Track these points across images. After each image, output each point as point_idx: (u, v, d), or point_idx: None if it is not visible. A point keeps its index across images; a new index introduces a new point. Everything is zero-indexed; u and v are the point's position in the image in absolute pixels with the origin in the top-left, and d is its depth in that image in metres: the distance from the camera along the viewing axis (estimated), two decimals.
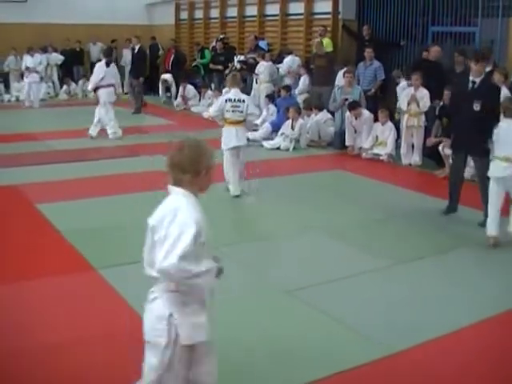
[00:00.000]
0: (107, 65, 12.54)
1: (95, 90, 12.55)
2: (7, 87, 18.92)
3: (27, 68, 17.07)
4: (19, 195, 8.21)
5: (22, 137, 12.41)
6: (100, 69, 12.49)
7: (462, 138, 7.33)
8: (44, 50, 19.32)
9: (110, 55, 13.11)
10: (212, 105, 15.51)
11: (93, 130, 12.34)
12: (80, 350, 4.33)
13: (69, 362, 4.18)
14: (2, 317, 4.81)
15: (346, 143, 11.32)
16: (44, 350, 4.31)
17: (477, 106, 7.06)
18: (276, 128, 12.25)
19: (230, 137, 8.23)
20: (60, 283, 5.49)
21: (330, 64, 13.31)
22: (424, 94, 10.21)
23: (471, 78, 7.21)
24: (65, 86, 19.46)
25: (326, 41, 13.90)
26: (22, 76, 17.88)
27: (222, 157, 8.15)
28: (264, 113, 13.44)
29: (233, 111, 8.18)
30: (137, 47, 16.30)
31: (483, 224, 6.86)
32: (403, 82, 11.54)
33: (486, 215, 6.88)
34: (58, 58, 19.74)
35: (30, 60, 17.05)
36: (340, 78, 12.48)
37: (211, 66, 17.41)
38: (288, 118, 12.16)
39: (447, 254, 6.35)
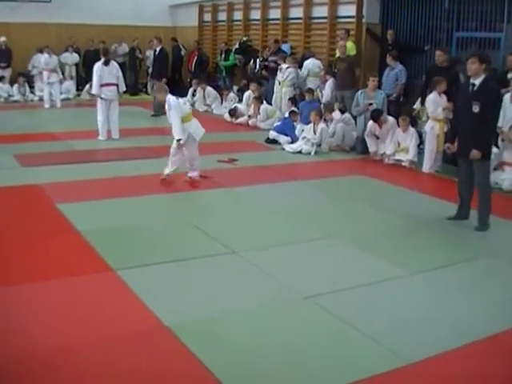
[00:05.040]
0: (106, 64, 12.46)
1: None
2: (31, 87, 19.02)
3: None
4: (40, 194, 8.24)
5: (44, 136, 12.47)
6: (97, 69, 12.39)
7: (464, 141, 7.29)
8: (66, 50, 19.50)
9: (107, 54, 12.96)
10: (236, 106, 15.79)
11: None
12: (95, 351, 4.31)
13: (84, 363, 4.16)
14: (19, 316, 4.81)
15: (370, 150, 11.20)
16: (58, 352, 4.29)
17: (476, 108, 6.99)
18: (282, 133, 12.32)
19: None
20: (78, 284, 5.48)
21: (351, 67, 13.29)
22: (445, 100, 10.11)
23: (471, 80, 7.15)
24: (87, 86, 19.51)
25: (350, 44, 13.84)
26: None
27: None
28: (286, 116, 13.40)
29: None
30: (158, 48, 16.26)
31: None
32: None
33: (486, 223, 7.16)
34: (73, 57, 19.88)
35: (47, 60, 17.05)
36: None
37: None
38: (295, 121, 12.43)
39: (467, 264, 6.24)
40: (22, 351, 4.27)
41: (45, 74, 17.01)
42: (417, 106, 11.43)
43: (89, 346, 4.38)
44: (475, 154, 7.04)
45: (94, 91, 12.77)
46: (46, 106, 17.08)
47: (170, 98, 8.93)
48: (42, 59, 17.12)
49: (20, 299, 5.13)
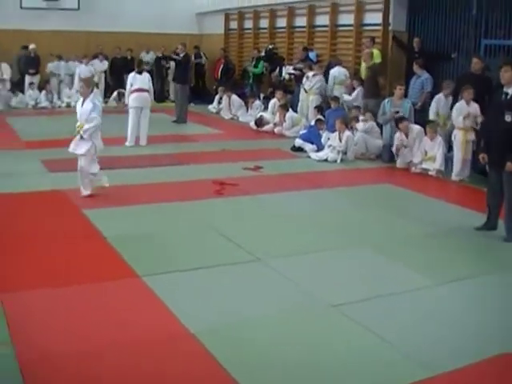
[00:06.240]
0: (139, 73, 12.72)
1: None
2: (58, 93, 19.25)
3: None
4: (67, 200, 8.31)
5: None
6: (130, 78, 12.82)
7: (495, 151, 7.17)
8: (95, 57, 19.67)
9: (141, 65, 13.29)
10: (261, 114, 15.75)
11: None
12: (118, 357, 4.33)
13: (106, 368, 4.19)
14: (45, 320, 4.85)
15: (398, 161, 11.13)
16: (82, 356, 4.31)
17: (508, 117, 6.90)
18: (308, 141, 12.34)
19: None
20: (104, 289, 5.51)
21: (374, 76, 13.23)
22: (476, 108, 10.00)
23: (504, 89, 7.07)
24: (114, 93, 19.65)
25: (375, 52, 13.78)
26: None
27: None
28: (312, 124, 13.38)
29: None
30: (182, 54, 16.32)
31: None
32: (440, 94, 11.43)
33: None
34: (103, 65, 20.04)
35: (84, 69, 17.29)
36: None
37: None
38: (321, 130, 12.50)
39: (495, 276, 6.15)
40: (43, 354, 4.30)
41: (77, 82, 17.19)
42: (432, 117, 11.29)
43: (114, 350, 4.40)
44: (511, 166, 6.95)
45: (126, 101, 13.01)
46: None
47: (96, 100, 8.70)
48: (78, 69, 17.31)
49: (46, 303, 5.17)
